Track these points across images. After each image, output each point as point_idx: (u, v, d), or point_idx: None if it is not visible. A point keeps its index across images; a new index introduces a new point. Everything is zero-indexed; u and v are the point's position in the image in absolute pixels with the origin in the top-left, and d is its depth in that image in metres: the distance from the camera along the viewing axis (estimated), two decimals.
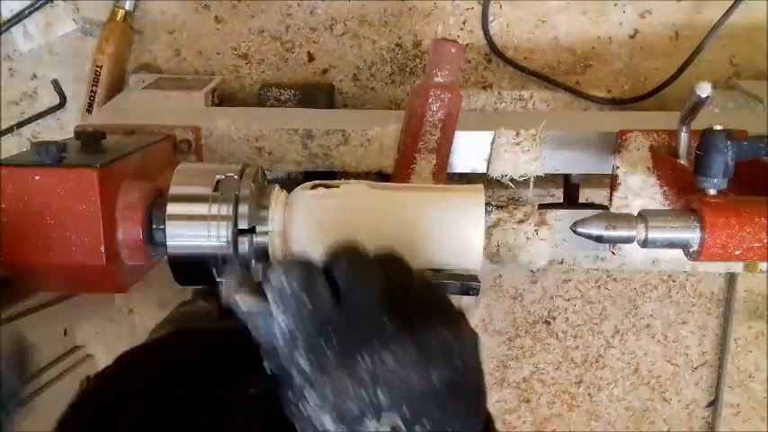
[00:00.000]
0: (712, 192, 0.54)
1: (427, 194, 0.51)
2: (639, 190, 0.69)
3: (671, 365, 1.25)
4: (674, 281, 1.20)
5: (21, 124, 1.05)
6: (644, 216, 0.54)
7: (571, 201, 0.83)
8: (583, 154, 0.76)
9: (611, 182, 0.74)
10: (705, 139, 0.54)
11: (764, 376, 1.22)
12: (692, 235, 0.53)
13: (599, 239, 0.54)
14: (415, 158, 0.68)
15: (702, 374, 1.25)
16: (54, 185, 0.50)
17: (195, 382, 0.52)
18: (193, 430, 0.48)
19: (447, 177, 0.71)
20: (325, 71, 1.03)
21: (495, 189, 0.97)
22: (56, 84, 1.04)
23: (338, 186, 0.51)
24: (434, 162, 0.68)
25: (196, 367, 0.55)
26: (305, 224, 0.49)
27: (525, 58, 1.02)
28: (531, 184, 0.74)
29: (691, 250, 0.54)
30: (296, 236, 0.50)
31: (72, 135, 0.60)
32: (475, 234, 0.49)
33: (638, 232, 0.54)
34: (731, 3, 0.94)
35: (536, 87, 1.04)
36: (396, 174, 0.72)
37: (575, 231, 0.55)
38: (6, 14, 1.01)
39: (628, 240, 0.54)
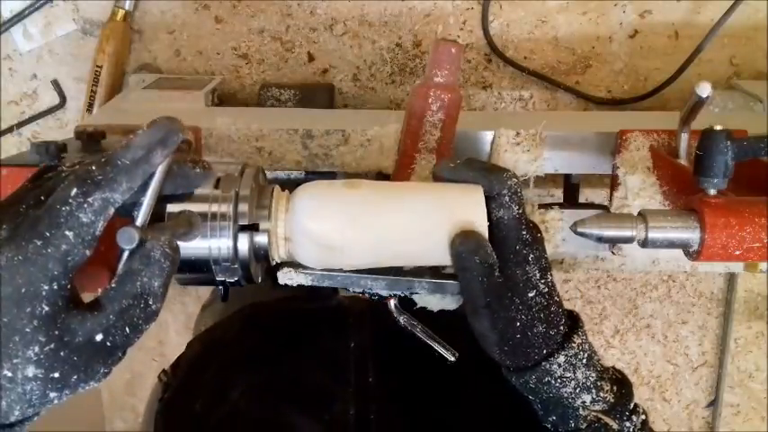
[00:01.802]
0: (712, 192, 0.54)
1: (428, 193, 0.51)
2: (639, 190, 0.69)
3: (671, 365, 1.25)
4: (674, 281, 1.20)
5: (21, 124, 1.06)
6: (644, 216, 0.54)
7: (571, 201, 0.83)
8: (583, 154, 0.76)
9: (611, 182, 0.74)
10: (705, 139, 0.54)
11: (764, 376, 1.22)
12: (693, 235, 0.53)
13: (599, 239, 0.54)
14: (415, 158, 0.68)
15: (702, 374, 1.25)
16: None
17: (269, 339, 0.67)
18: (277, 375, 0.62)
19: None
20: (325, 71, 1.03)
21: None
22: (56, 84, 1.04)
23: (339, 186, 0.51)
24: (434, 162, 0.68)
25: (269, 331, 0.69)
26: (306, 224, 0.49)
27: (525, 58, 1.02)
28: (531, 184, 0.74)
29: (691, 250, 0.54)
30: (297, 235, 0.50)
31: (72, 135, 0.60)
32: (479, 231, 0.49)
33: (638, 232, 0.53)
34: (731, 3, 0.94)
35: (536, 87, 1.04)
36: (396, 174, 0.72)
37: (575, 231, 0.55)
38: (6, 14, 1.01)
39: (628, 240, 0.54)
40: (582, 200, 0.87)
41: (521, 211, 0.49)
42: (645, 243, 0.54)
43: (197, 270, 0.51)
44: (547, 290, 0.50)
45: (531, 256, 0.49)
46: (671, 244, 0.54)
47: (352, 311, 0.69)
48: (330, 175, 0.78)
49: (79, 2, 1.01)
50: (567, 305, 0.53)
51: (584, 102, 1.03)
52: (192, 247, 0.49)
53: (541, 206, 0.75)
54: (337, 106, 1.03)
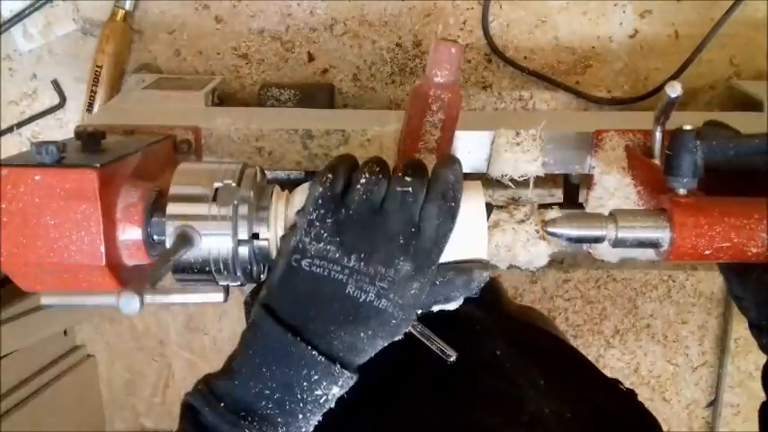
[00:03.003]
0: (682, 191, 0.54)
1: None
2: (614, 190, 0.69)
3: (671, 365, 1.25)
4: (673, 281, 1.20)
5: (21, 124, 1.05)
6: (614, 216, 0.54)
7: (571, 201, 0.83)
8: (582, 154, 0.76)
9: (588, 181, 0.74)
10: (674, 139, 0.54)
11: None
12: (662, 234, 0.53)
13: (569, 239, 0.54)
14: None
15: (702, 374, 1.26)
16: (54, 185, 0.50)
17: None
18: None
19: None
20: (325, 71, 1.03)
21: (496, 189, 0.97)
22: (56, 84, 1.04)
23: None
24: (434, 162, 0.68)
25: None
26: None
27: (525, 58, 1.02)
28: (531, 184, 0.74)
29: (660, 250, 0.54)
30: None
31: (72, 135, 0.60)
32: (478, 224, 0.49)
33: (609, 232, 0.53)
34: (731, 3, 0.94)
35: (536, 87, 1.04)
36: None
37: (546, 231, 0.55)
38: (6, 14, 1.01)
39: (598, 240, 0.54)
40: (582, 200, 0.87)
41: None
42: (615, 243, 0.54)
43: (198, 272, 0.51)
44: None
45: None
46: (641, 243, 0.53)
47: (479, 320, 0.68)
48: None
49: (79, 2, 1.01)
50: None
51: (584, 102, 1.03)
52: (193, 257, 0.50)
53: (541, 206, 0.75)
54: (337, 106, 1.03)
